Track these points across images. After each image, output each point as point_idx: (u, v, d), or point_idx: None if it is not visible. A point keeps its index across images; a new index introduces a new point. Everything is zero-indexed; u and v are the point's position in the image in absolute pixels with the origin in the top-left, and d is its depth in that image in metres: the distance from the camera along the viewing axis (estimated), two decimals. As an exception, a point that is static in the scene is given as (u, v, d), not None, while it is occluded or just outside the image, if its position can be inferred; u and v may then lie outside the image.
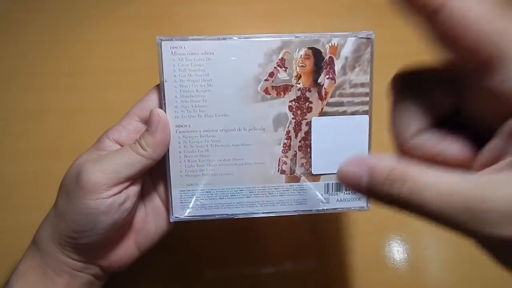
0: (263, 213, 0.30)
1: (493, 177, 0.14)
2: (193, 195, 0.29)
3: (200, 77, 0.28)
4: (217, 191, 0.30)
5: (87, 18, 0.44)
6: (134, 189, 0.28)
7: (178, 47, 0.28)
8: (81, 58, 0.43)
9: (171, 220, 0.29)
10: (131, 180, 0.27)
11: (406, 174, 0.15)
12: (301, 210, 0.30)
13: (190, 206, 0.29)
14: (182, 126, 0.28)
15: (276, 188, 0.30)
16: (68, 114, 0.42)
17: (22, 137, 0.41)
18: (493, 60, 0.15)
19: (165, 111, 0.28)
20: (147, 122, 0.28)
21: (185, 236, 0.40)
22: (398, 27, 0.48)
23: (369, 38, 0.29)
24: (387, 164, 0.16)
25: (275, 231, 0.41)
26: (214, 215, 0.30)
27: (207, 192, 0.29)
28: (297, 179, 0.30)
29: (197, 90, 0.28)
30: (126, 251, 0.30)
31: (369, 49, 0.29)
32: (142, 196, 0.30)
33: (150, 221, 0.30)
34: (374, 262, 0.40)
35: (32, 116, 0.42)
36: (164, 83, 0.28)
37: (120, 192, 0.26)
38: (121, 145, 0.28)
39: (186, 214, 0.30)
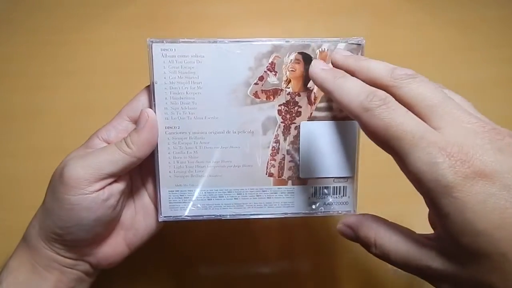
0: (251, 214, 0.31)
1: (428, 246, 0.21)
2: (181, 195, 0.30)
3: (190, 79, 0.28)
4: (205, 192, 0.30)
5: (86, 18, 0.44)
6: (119, 187, 0.28)
7: (169, 49, 0.28)
8: (80, 58, 0.43)
9: (159, 220, 0.30)
10: (114, 177, 0.27)
11: (376, 241, 0.23)
12: (289, 213, 0.31)
13: (179, 206, 0.30)
14: (171, 128, 0.29)
15: (264, 191, 0.30)
16: (68, 114, 0.42)
17: (22, 137, 0.42)
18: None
19: (155, 111, 0.28)
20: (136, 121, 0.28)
21: (178, 236, 0.40)
22: (398, 27, 0.49)
23: (359, 44, 0.29)
24: (365, 232, 0.24)
25: (279, 229, 0.41)
26: (202, 215, 0.30)
27: (196, 193, 0.30)
28: (284, 182, 0.30)
29: (187, 92, 0.28)
30: (115, 248, 0.30)
31: (359, 54, 0.29)
32: (132, 194, 0.31)
33: (140, 220, 0.31)
34: (374, 262, 0.39)
35: (32, 116, 0.42)
36: (155, 84, 0.28)
37: (102, 188, 0.27)
38: (109, 144, 0.28)
39: (174, 215, 0.30)
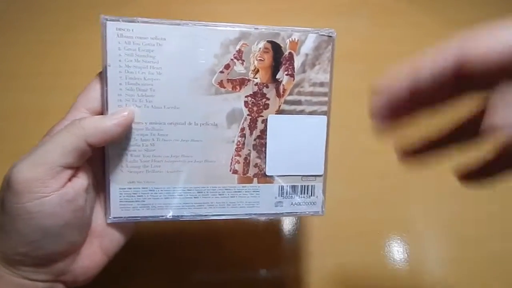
0: (212, 215, 0.28)
1: None
2: (134, 193, 0.27)
3: (149, 63, 0.26)
4: (162, 190, 0.27)
5: (85, 18, 0.44)
6: (82, 182, 0.24)
7: (126, 29, 0.25)
8: (80, 58, 0.43)
9: (108, 221, 0.26)
10: (71, 168, 0.23)
11: None
12: (254, 214, 0.29)
13: (131, 206, 0.27)
14: (125, 117, 0.26)
15: (227, 189, 0.28)
16: None
17: (22, 137, 0.40)
18: None
19: (106, 98, 0.25)
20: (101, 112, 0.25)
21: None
22: (398, 27, 0.49)
23: (330, 36, 0.28)
24: None
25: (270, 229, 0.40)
26: (157, 216, 0.27)
27: (151, 190, 0.27)
28: (250, 180, 0.28)
29: (144, 78, 0.26)
30: (92, 259, 0.26)
31: (330, 47, 0.28)
32: (98, 196, 0.27)
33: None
34: (374, 262, 0.40)
35: (32, 116, 0.41)
36: (108, 67, 0.25)
37: (63, 186, 0.22)
38: None
39: (125, 215, 0.27)
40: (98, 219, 0.27)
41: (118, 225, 0.27)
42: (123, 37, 0.25)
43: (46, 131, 0.40)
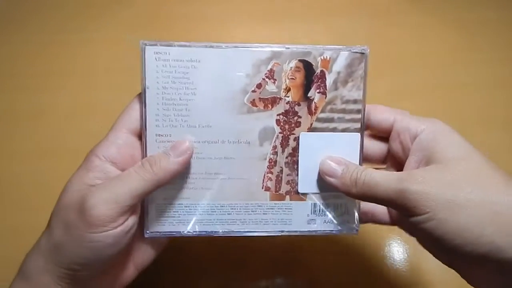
0: (244, 231, 0.28)
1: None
2: (170, 209, 0.28)
3: (184, 85, 0.27)
4: (196, 206, 0.28)
5: (87, 19, 0.44)
6: (137, 213, 0.26)
7: (163, 53, 0.26)
8: (82, 58, 0.43)
9: (145, 236, 0.28)
10: (135, 207, 0.25)
11: (361, 176, 0.25)
12: (286, 231, 0.29)
13: (167, 221, 0.28)
14: (162, 136, 0.27)
15: (259, 206, 0.28)
16: (64, 115, 0.42)
17: (18, 137, 0.41)
18: None
19: (145, 119, 0.26)
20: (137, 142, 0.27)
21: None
22: (398, 28, 0.49)
23: (363, 53, 0.27)
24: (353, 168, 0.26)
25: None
26: (192, 232, 0.28)
27: (186, 207, 0.28)
28: (282, 197, 0.28)
29: (180, 99, 0.27)
30: (124, 273, 0.28)
31: (362, 64, 0.27)
32: None
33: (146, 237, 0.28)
34: (374, 262, 0.39)
35: (28, 116, 0.41)
36: (146, 89, 0.26)
37: (126, 220, 0.24)
38: (113, 162, 0.26)
39: (162, 230, 0.28)
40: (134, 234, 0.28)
41: (151, 240, 0.28)
42: (160, 61, 0.26)
43: (39, 131, 0.41)
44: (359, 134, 0.28)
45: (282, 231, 0.28)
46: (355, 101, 0.28)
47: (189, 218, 0.28)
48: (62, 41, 0.44)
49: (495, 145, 0.42)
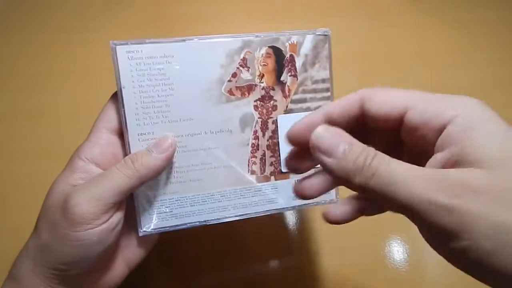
0: (236, 216, 0.30)
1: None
2: (161, 205, 0.28)
3: (161, 81, 0.27)
4: (186, 199, 0.28)
5: (87, 19, 0.44)
6: (122, 209, 0.26)
7: (135, 51, 0.26)
8: (82, 58, 0.42)
9: (140, 234, 0.28)
10: (119, 203, 0.25)
11: (373, 164, 0.17)
12: (274, 209, 0.30)
13: (160, 217, 0.28)
14: (144, 134, 0.27)
15: (248, 189, 0.29)
16: (64, 115, 0.41)
17: (18, 137, 0.41)
18: None
19: (125, 119, 0.26)
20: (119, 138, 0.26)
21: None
22: (398, 27, 0.48)
23: (326, 35, 0.29)
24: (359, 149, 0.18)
25: (273, 226, 0.40)
26: (185, 224, 0.29)
27: (177, 200, 0.28)
28: (268, 178, 0.30)
29: (158, 95, 0.27)
30: (115, 272, 0.28)
31: (326, 45, 0.29)
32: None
33: (135, 234, 0.28)
34: (374, 262, 0.40)
35: (28, 116, 0.41)
36: (122, 89, 0.26)
37: (110, 217, 0.24)
38: (96, 162, 0.26)
39: (155, 227, 0.28)
40: (123, 232, 0.28)
41: (137, 236, 0.28)
42: (133, 59, 0.26)
43: (39, 131, 0.41)
44: (330, 110, 0.30)
45: (271, 210, 0.30)
46: (323, 80, 0.30)
47: (181, 211, 0.28)
48: (62, 41, 0.43)
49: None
